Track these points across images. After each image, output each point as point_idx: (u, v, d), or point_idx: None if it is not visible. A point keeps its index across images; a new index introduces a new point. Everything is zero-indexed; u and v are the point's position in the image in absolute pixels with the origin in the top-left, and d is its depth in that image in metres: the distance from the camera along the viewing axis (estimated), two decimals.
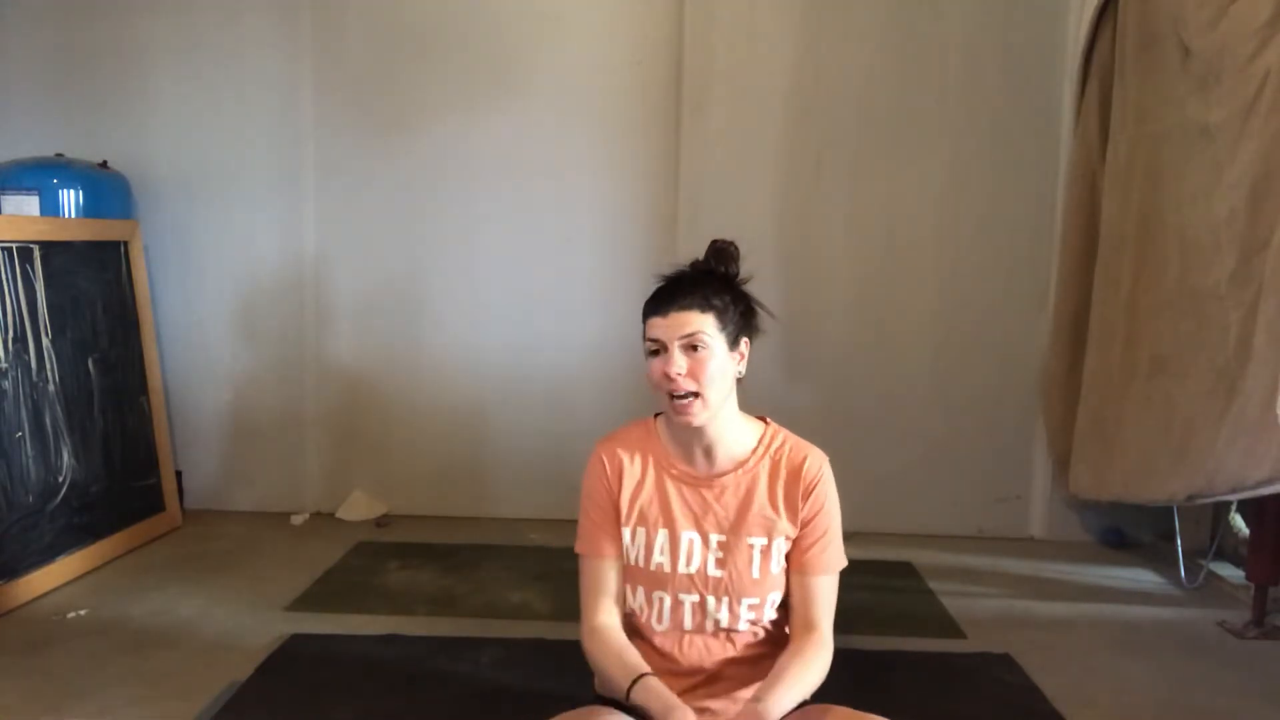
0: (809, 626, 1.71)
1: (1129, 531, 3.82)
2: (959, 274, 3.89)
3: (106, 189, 3.75)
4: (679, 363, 1.64)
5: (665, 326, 1.65)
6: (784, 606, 1.77)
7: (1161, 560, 3.58)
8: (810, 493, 1.73)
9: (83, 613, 2.96)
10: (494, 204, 3.96)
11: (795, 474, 1.73)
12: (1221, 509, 3.47)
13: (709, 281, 1.70)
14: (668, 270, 1.74)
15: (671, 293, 1.68)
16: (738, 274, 1.75)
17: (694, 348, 1.65)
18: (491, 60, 3.91)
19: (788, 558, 1.75)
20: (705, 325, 1.65)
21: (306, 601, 3.10)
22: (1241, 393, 2.62)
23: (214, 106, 3.97)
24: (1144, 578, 3.50)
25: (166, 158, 3.99)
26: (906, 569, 3.52)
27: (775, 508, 1.72)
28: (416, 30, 3.93)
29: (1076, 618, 3.11)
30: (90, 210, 3.65)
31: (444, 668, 2.60)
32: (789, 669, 1.65)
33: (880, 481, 3.86)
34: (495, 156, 3.94)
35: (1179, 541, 3.47)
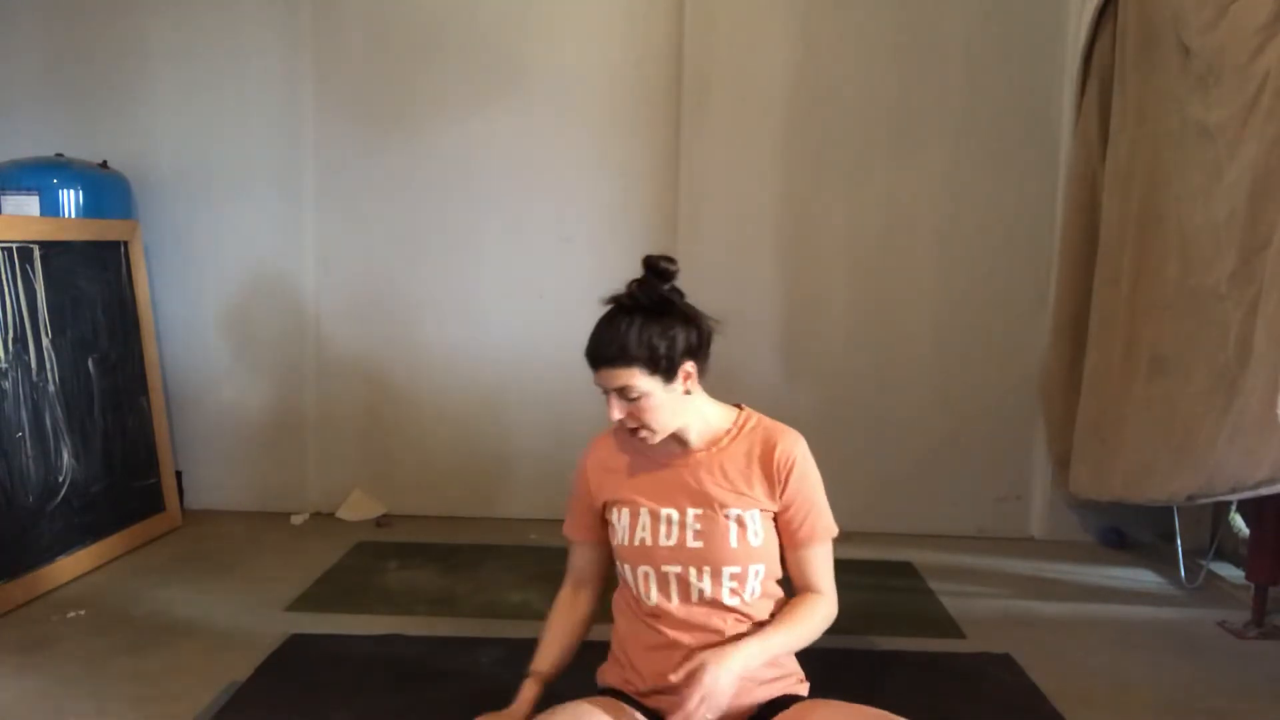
0: (808, 589, 1.85)
1: (1129, 531, 3.82)
2: (959, 274, 3.89)
3: (106, 189, 3.75)
4: (618, 408, 1.76)
5: (600, 378, 1.77)
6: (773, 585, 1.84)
7: (1161, 560, 3.58)
8: (788, 476, 1.82)
9: (83, 613, 2.96)
10: (493, 203, 3.96)
11: (769, 454, 1.83)
12: (1221, 509, 3.47)
13: (634, 321, 1.74)
14: (606, 296, 1.80)
15: (594, 352, 1.76)
16: (672, 289, 1.80)
17: (628, 398, 1.75)
18: (492, 60, 3.91)
19: (780, 537, 1.84)
20: (632, 378, 1.73)
21: (306, 601, 3.10)
22: (1242, 393, 2.62)
23: (214, 106, 3.97)
24: (1144, 578, 3.50)
25: (166, 158, 3.99)
26: (906, 569, 3.52)
27: (749, 483, 1.82)
28: (417, 30, 3.93)
29: (1076, 618, 3.11)
30: (90, 210, 3.65)
31: (444, 668, 2.59)
32: (783, 615, 1.80)
33: (880, 481, 3.86)
34: (495, 156, 3.94)
35: (1179, 541, 3.47)
